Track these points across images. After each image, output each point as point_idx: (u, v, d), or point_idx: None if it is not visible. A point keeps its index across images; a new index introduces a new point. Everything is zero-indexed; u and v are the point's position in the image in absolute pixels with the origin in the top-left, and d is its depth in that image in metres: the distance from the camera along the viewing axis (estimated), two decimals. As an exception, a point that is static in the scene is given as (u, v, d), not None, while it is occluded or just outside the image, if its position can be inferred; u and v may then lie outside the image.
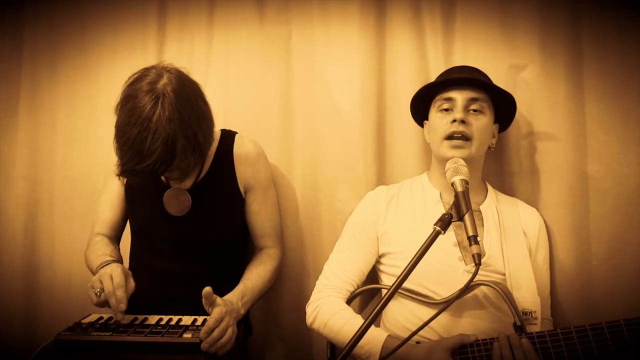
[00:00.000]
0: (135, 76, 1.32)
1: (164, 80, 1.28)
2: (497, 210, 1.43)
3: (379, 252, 1.45)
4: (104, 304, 1.28)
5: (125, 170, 1.28)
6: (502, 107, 1.46)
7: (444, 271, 1.33)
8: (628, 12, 1.49)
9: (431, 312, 1.30)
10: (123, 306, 1.26)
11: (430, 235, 1.09)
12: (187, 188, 1.49)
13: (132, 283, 1.32)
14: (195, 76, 1.40)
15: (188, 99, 1.30)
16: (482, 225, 1.39)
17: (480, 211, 1.42)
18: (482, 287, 1.30)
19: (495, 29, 1.59)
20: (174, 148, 1.25)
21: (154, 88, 1.26)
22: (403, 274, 1.06)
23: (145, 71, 1.32)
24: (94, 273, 1.42)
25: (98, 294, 1.27)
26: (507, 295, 1.26)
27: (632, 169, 1.47)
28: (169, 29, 1.82)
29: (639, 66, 1.48)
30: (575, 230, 1.50)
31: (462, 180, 1.19)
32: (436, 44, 1.64)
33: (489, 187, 1.50)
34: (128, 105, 1.26)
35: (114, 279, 1.27)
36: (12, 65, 1.91)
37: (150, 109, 1.23)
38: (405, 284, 1.33)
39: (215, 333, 1.23)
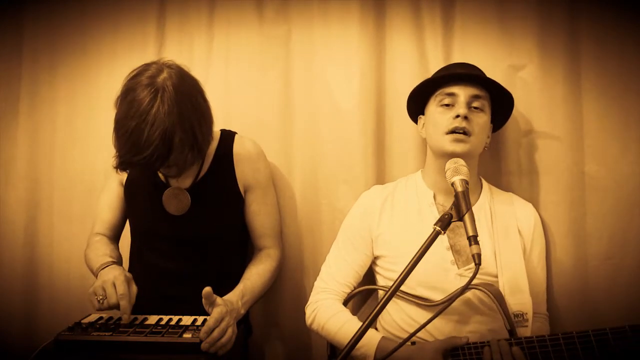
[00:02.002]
0: (136, 71, 1.33)
1: (164, 74, 1.29)
2: (490, 211, 1.42)
3: (374, 254, 1.46)
4: (106, 310, 1.29)
5: (123, 162, 1.29)
6: (499, 107, 1.46)
7: (437, 274, 1.33)
8: (627, 12, 1.49)
9: (426, 314, 1.32)
10: (127, 317, 1.28)
11: (430, 235, 1.09)
12: (187, 187, 1.50)
13: (134, 288, 1.34)
14: (195, 76, 1.40)
15: (187, 94, 1.31)
16: None
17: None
18: (476, 290, 1.30)
19: (494, 29, 1.59)
20: (171, 141, 1.26)
21: (153, 82, 1.27)
22: (401, 275, 1.06)
23: (146, 66, 1.33)
24: (94, 273, 1.43)
25: (101, 301, 1.28)
26: (497, 299, 1.26)
27: (632, 169, 1.47)
28: (168, 29, 1.82)
29: (638, 66, 1.48)
30: (574, 230, 1.50)
31: (462, 180, 1.19)
32: (436, 43, 1.64)
33: (484, 185, 1.49)
34: (127, 98, 1.28)
35: (118, 288, 1.28)
36: (12, 66, 1.91)
37: (149, 102, 1.24)
38: (401, 287, 1.35)
39: (215, 333, 1.23)
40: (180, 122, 1.26)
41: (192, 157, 1.36)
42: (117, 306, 1.28)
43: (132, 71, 1.33)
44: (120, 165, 1.30)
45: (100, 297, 1.28)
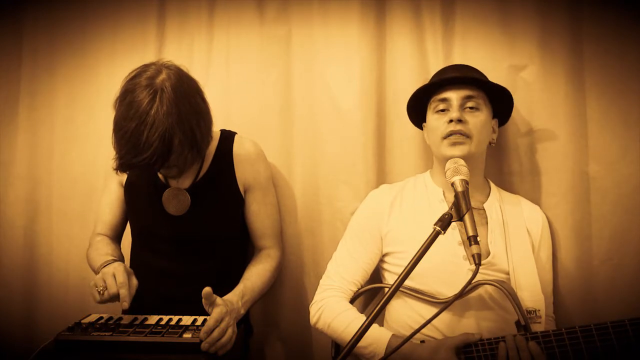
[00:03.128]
0: (134, 72, 1.33)
1: (163, 75, 1.29)
2: (500, 209, 1.43)
3: (383, 251, 1.45)
4: (107, 301, 1.29)
5: (122, 164, 1.28)
6: (500, 101, 1.46)
7: (449, 270, 1.33)
8: (628, 11, 1.49)
9: (435, 311, 1.30)
10: (126, 304, 1.27)
11: (431, 235, 1.09)
12: (186, 187, 1.50)
13: (134, 281, 1.33)
14: (195, 76, 1.41)
15: (186, 95, 1.31)
16: (486, 223, 1.39)
17: (484, 209, 1.42)
18: (487, 287, 1.30)
19: (495, 28, 1.59)
20: (171, 143, 1.25)
21: (152, 83, 1.27)
22: (403, 273, 1.06)
23: (144, 67, 1.33)
24: (96, 272, 1.43)
25: (101, 291, 1.27)
26: (511, 294, 1.26)
27: (632, 169, 1.47)
28: (168, 29, 1.82)
29: (639, 66, 1.48)
30: (576, 230, 1.50)
31: (462, 180, 1.19)
32: (436, 43, 1.64)
33: (492, 185, 1.50)
34: (126, 99, 1.27)
35: (117, 278, 1.28)
36: (11, 66, 1.91)
37: (148, 104, 1.24)
38: (410, 283, 1.35)
39: (215, 333, 1.23)
40: (179, 123, 1.26)
41: (192, 158, 1.36)
42: (117, 296, 1.27)
43: (131, 72, 1.33)
44: (120, 167, 1.30)
45: (101, 288, 1.28)
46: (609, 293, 1.47)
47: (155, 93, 1.25)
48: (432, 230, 1.09)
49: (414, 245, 1.28)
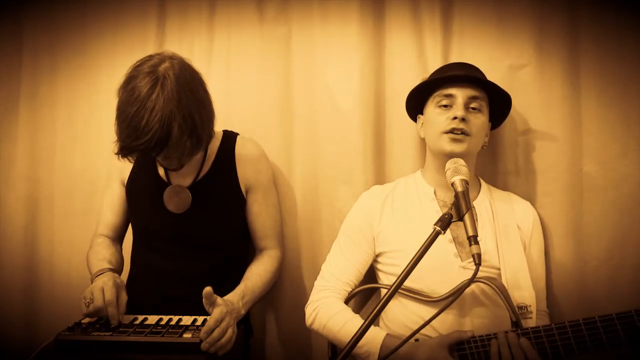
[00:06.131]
0: (139, 61, 1.35)
1: (166, 64, 1.31)
2: (490, 206, 1.44)
3: (376, 251, 1.46)
4: (93, 315, 1.30)
5: (123, 147, 1.30)
6: (497, 106, 1.47)
7: (440, 268, 1.33)
8: (626, 11, 1.49)
9: (429, 309, 1.32)
10: (114, 322, 1.28)
11: (430, 235, 1.09)
12: (188, 185, 1.50)
13: (124, 296, 1.34)
14: (195, 74, 1.41)
15: (188, 83, 1.32)
16: (477, 220, 1.39)
17: (473, 206, 1.42)
18: (480, 284, 1.30)
19: (492, 29, 1.60)
20: (170, 127, 1.26)
21: (155, 70, 1.29)
22: (402, 275, 1.06)
23: (149, 57, 1.35)
24: (91, 277, 1.43)
25: (87, 304, 1.29)
26: (501, 291, 1.27)
27: (631, 169, 1.47)
28: (168, 29, 1.82)
29: (637, 65, 1.48)
30: (573, 230, 1.50)
31: (462, 180, 1.19)
32: (435, 44, 1.64)
33: (483, 183, 1.51)
34: (129, 86, 1.30)
35: (106, 295, 1.29)
36: (12, 66, 1.91)
37: (150, 89, 1.26)
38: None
39: (216, 333, 1.23)
40: (179, 109, 1.27)
41: (192, 146, 1.35)
42: (102, 309, 1.28)
43: (136, 62, 1.35)
44: (121, 151, 1.31)
45: (88, 300, 1.29)
46: (609, 293, 1.47)
47: (157, 80, 1.27)
48: (432, 230, 1.09)
49: (405, 245, 1.29)
